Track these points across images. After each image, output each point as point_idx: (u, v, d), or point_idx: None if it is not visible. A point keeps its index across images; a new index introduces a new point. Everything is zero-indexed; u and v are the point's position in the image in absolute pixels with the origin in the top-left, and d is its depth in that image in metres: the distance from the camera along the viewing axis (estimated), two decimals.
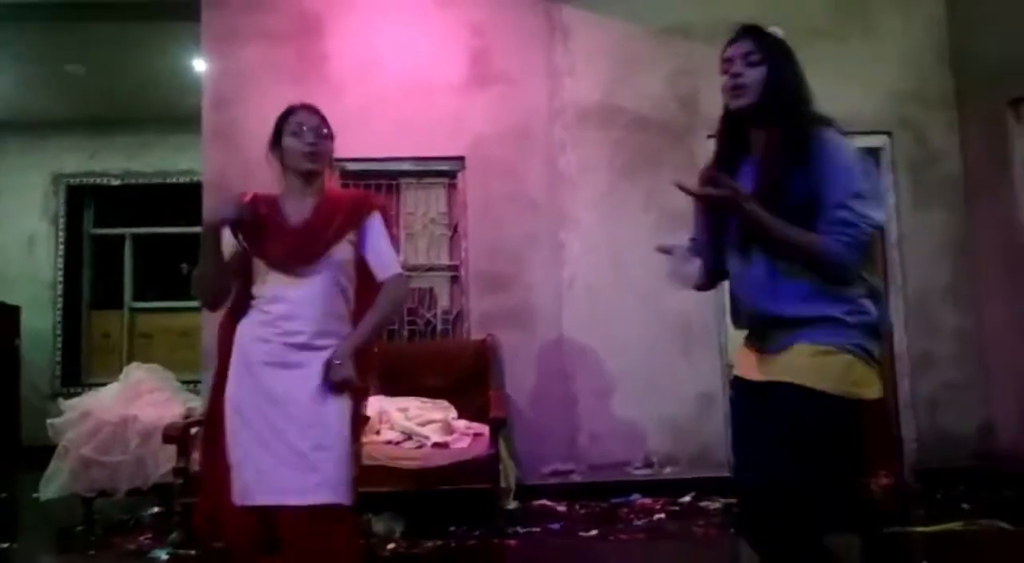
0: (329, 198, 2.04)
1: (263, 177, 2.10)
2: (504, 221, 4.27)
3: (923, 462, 4.18)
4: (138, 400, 3.96)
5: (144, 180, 6.62)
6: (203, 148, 4.26)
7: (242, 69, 4.28)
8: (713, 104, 1.83)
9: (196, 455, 3.27)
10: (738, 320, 1.77)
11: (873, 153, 4.41)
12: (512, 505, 3.73)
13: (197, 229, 4.06)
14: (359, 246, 2.02)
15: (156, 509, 3.88)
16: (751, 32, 1.73)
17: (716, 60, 1.74)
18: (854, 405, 1.59)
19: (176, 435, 3.28)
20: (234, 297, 2.03)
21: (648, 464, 4.11)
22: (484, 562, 3.15)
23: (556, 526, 3.52)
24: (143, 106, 6.09)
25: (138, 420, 3.81)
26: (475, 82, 4.36)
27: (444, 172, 4.41)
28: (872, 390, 1.60)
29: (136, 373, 4.16)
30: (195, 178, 5.67)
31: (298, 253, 1.94)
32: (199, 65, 4.64)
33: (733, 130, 1.75)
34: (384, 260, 2.02)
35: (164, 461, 3.62)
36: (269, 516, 1.86)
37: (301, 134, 1.97)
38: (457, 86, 4.35)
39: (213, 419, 1.99)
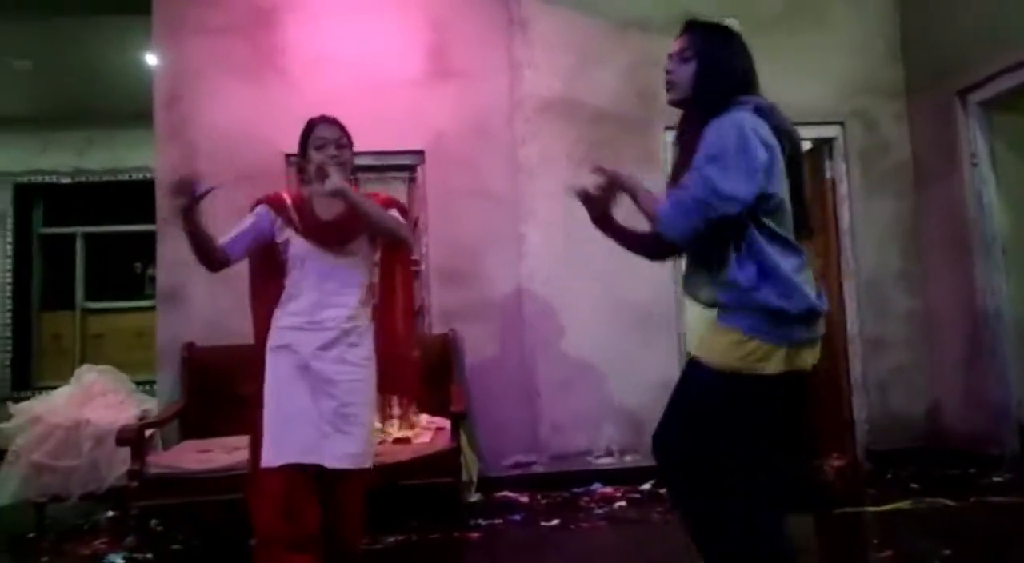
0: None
1: (218, 171, 2.10)
2: (464, 215, 4.26)
3: (874, 443, 4.29)
4: (90, 403, 3.87)
5: (95, 178, 6.44)
6: (156, 144, 4.16)
7: (195, 63, 4.18)
8: None
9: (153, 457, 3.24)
10: None
11: (827, 143, 4.52)
12: (474, 498, 3.74)
13: (151, 227, 4.03)
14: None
15: (111, 513, 3.80)
16: (688, 28, 1.79)
17: None
18: (744, 379, 1.70)
19: (130, 438, 3.19)
20: (269, 292, 2.29)
21: (609, 453, 4.15)
22: (446, 556, 3.15)
23: (518, 517, 3.54)
24: (93, 102, 5.93)
25: (91, 423, 3.72)
26: (434, 75, 4.33)
27: (404, 166, 4.38)
28: (765, 366, 1.68)
29: (88, 375, 4.07)
30: (148, 174, 5.55)
31: (336, 234, 2.25)
32: (150, 59, 4.53)
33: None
34: None
35: (118, 464, 3.55)
36: (298, 479, 2.13)
37: (324, 148, 2.26)
38: (416, 79, 4.32)
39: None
